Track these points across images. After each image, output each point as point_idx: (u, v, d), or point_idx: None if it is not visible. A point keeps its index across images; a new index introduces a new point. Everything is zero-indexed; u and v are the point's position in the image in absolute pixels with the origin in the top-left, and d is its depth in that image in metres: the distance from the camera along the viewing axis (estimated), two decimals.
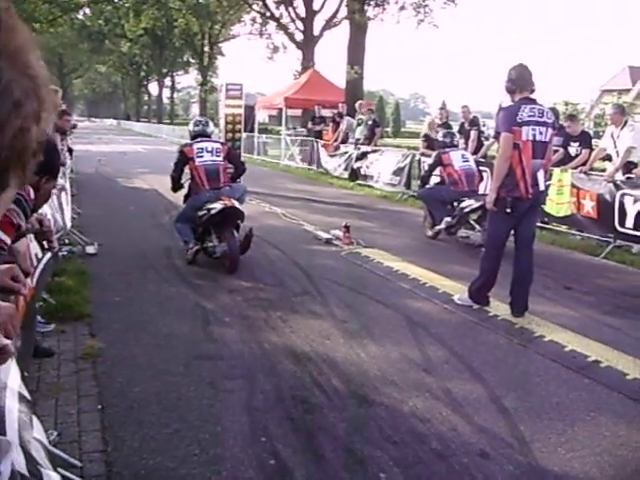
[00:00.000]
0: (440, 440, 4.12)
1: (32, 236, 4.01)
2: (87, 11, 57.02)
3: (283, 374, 5.10)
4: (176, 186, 9.03)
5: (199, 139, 8.95)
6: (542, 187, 6.62)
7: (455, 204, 10.50)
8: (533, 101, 6.47)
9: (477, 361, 5.43)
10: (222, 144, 9.39)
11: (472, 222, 10.36)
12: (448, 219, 10.47)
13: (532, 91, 6.50)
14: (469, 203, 10.13)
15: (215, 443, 4.00)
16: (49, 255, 6.44)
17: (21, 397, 2.09)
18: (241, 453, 3.89)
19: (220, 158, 8.79)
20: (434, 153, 11.61)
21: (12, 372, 2.12)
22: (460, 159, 10.96)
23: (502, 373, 5.23)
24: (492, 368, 5.31)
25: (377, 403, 4.61)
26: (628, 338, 6.14)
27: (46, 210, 6.76)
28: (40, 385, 4.83)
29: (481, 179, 11.38)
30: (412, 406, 4.57)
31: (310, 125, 23.57)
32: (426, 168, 12.29)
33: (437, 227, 10.73)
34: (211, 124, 9.63)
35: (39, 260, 5.88)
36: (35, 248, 4.89)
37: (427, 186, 11.55)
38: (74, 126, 14.07)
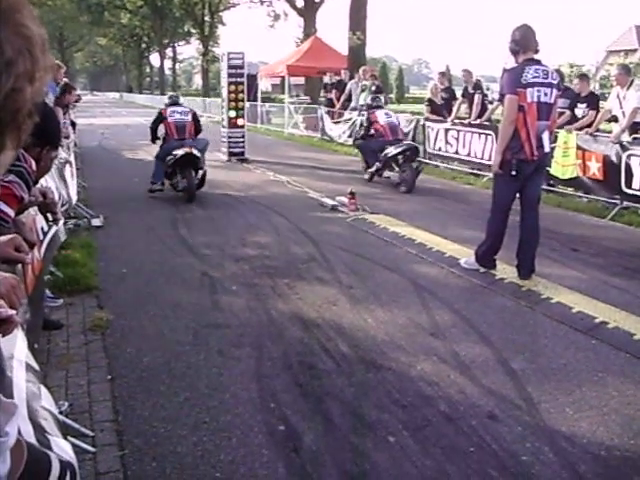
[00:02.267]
0: (448, 403, 4.13)
1: (37, 209, 4.02)
2: None
3: (290, 341, 5.12)
4: (153, 137, 11.79)
5: (173, 106, 11.79)
6: (547, 149, 6.57)
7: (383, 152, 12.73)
8: (537, 62, 6.39)
9: (484, 324, 5.44)
10: (189, 109, 12.08)
11: (393, 165, 12.73)
12: (377, 164, 12.89)
13: (536, 52, 6.42)
14: (390, 150, 12.47)
15: (224, 410, 4.03)
16: (55, 228, 6.47)
17: (28, 367, 2.10)
18: (250, 420, 3.92)
19: (188, 118, 11.58)
20: (364, 115, 14.55)
21: (19, 343, 2.12)
22: (384, 116, 13.40)
23: (509, 335, 5.23)
24: (499, 331, 5.32)
25: (385, 368, 4.62)
26: (636, 299, 6.13)
27: (50, 183, 6.75)
28: (50, 357, 4.87)
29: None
30: (420, 370, 4.59)
31: (322, 93, 23.37)
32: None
33: (369, 170, 13.22)
34: (181, 98, 13.00)
35: (45, 233, 5.90)
36: (41, 221, 4.90)
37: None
38: (78, 99, 14.00)
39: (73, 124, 14.01)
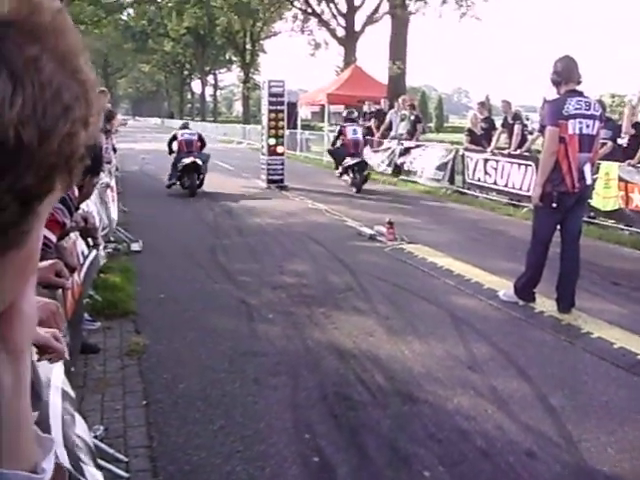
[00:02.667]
0: (485, 438, 4.06)
1: (78, 233, 4.07)
2: (131, 12, 58.00)
3: (326, 371, 5.09)
4: (170, 150, 15.50)
5: (183, 129, 15.89)
6: (589, 181, 6.50)
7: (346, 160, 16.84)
8: (580, 93, 6.34)
9: (523, 358, 5.35)
10: (196, 132, 15.97)
11: (350, 171, 16.76)
12: (340, 169, 17.46)
13: (578, 83, 6.36)
14: (348, 160, 16.72)
15: (259, 440, 4.01)
16: (95, 252, 6.55)
17: (65, 394, 2.10)
18: (285, 450, 3.89)
19: (194, 137, 15.41)
20: (338, 126, 19.18)
21: (56, 369, 2.13)
22: (351, 132, 17.21)
23: (548, 370, 5.14)
24: (538, 365, 5.23)
25: (421, 400, 4.57)
26: None
27: (92, 208, 6.84)
28: (87, 381, 4.90)
29: (365, 144, 18.45)
30: (457, 404, 4.52)
31: (361, 121, 23.46)
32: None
33: (337, 171, 17.91)
34: (191, 124, 18.27)
35: (86, 257, 5.97)
36: (81, 245, 4.95)
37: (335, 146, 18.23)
38: (124, 123, 14.69)
39: (114, 149, 14.25)
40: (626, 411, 4.48)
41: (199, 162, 14.64)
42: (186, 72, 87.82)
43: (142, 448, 3.92)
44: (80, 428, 2.12)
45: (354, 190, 16.26)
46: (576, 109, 6.22)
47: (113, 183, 10.53)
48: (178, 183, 15.21)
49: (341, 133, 17.56)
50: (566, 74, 6.34)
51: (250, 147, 31.56)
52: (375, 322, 6.24)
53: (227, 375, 4.98)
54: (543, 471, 3.71)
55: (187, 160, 14.51)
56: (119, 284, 7.18)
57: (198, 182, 15.14)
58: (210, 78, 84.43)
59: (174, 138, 15.50)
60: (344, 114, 19.39)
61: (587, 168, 6.36)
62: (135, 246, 9.28)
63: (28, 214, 0.69)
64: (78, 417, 2.19)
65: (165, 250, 9.36)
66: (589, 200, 10.76)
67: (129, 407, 4.46)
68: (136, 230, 10.28)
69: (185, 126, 16.36)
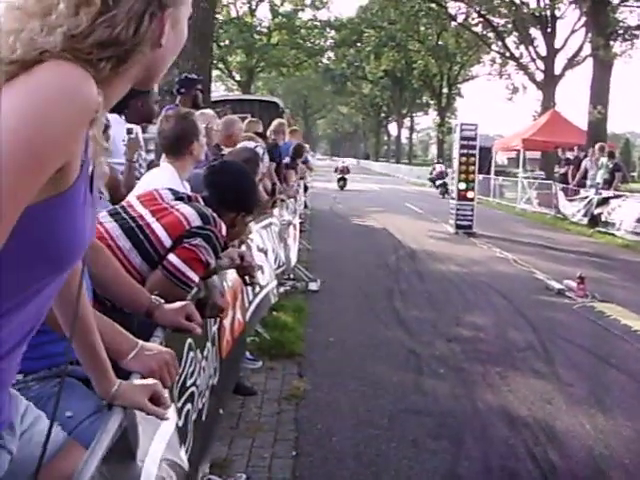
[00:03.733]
0: None
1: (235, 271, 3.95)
2: (331, 55, 59.76)
3: (494, 439, 4.62)
4: None
5: None
6: None
7: None
8: None
9: None
10: None
11: None
12: None
13: None
14: None
15: None
16: (267, 289, 6.50)
17: (171, 465, 1.88)
18: None
19: None
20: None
21: (162, 434, 1.90)
22: None
23: None
24: None
25: None
26: None
27: (268, 245, 6.83)
28: (240, 422, 4.79)
29: None
30: None
31: (557, 168, 22.60)
32: None
33: None
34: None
35: (256, 295, 5.91)
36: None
37: None
38: (310, 168, 14.57)
39: (306, 187, 14.50)
40: None
41: None
42: (383, 114, 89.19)
43: None
44: None
45: None
46: None
47: (297, 221, 10.60)
48: None
49: None
50: None
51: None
52: (555, 388, 5.65)
53: (384, 433, 4.65)
54: None
55: None
56: (289, 324, 7.10)
57: None
58: (407, 121, 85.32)
59: None
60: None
61: None
62: (313, 285, 9.22)
63: None
64: None
65: (342, 291, 9.23)
66: None
67: (277, 456, 4.26)
68: (316, 269, 10.27)
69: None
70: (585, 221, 18.09)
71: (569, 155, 21.42)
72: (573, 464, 4.28)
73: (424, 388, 5.62)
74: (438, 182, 30.27)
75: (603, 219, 17.15)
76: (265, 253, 6.56)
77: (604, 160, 18.20)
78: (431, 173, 34.48)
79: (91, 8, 1.08)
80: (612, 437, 4.71)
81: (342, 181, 31.17)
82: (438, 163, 34.99)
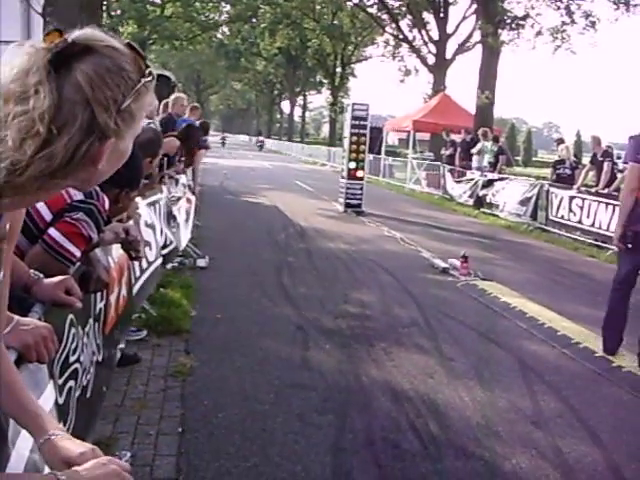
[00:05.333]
0: None
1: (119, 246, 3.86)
2: (225, 30, 59.04)
3: (377, 413, 4.72)
4: None
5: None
6: None
7: None
8: None
9: (595, 418, 4.85)
10: None
11: None
12: None
13: None
14: None
15: None
16: (155, 266, 6.38)
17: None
18: None
19: None
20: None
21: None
22: None
23: (624, 436, 4.62)
24: (612, 429, 4.71)
25: (476, 456, 4.15)
26: None
27: (155, 221, 6.69)
28: (125, 400, 4.69)
29: None
30: (515, 464, 4.07)
31: (443, 150, 23.12)
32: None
33: None
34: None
35: (143, 271, 5.79)
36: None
37: None
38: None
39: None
40: None
41: None
42: (276, 92, 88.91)
43: None
44: None
45: None
46: None
47: (192, 197, 10.43)
48: None
49: None
50: None
51: (334, 170, 31.47)
52: (437, 363, 5.83)
53: (270, 408, 4.68)
54: None
55: None
56: (177, 300, 7.00)
57: None
58: (300, 99, 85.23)
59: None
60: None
61: None
62: (201, 262, 9.12)
63: None
64: None
65: (231, 268, 9.18)
66: None
67: (163, 433, 4.21)
68: (205, 245, 10.16)
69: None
70: (471, 202, 18.64)
71: (455, 138, 21.98)
72: (452, 434, 4.43)
73: (310, 363, 5.67)
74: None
75: (488, 201, 17.71)
76: (153, 229, 6.44)
77: (488, 144, 18.80)
78: None
79: (35, 139, 1.07)
80: (488, 408, 4.91)
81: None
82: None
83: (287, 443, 4.18)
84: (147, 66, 1.19)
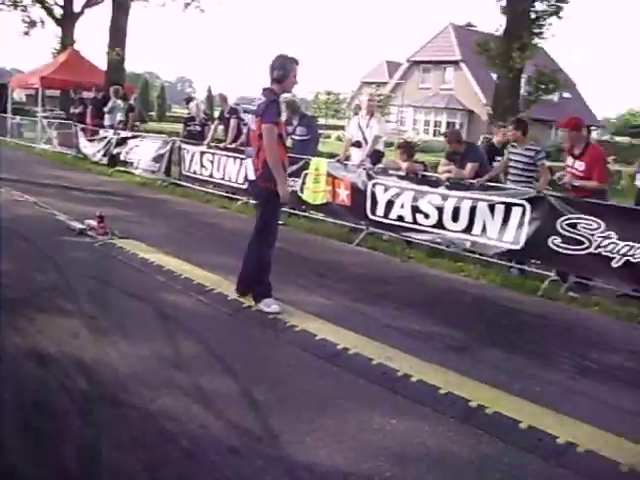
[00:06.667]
0: (190, 438, 4.04)
1: None
2: None
3: (25, 379, 4.78)
4: None
5: None
6: (250, 177, 6.70)
7: None
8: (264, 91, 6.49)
9: (229, 354, 5.41)
10: None
11: None
12: None
13: (274, 81, 6.45)
14: None
15: None
16: None
17: None
18: None
19: None
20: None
21: None
22: None
23: (254, 365, 5.26)
24: (244, 361, 5.33)
25: (126, 404, 4.44)
26: (376, 324, 6.45)
27: None
28: None
29: None
30: (161, 405, 4.44)
31: (72, 109, 22.47)
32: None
33: None
34: None
35: None
36: None
37: None
38: None
39: None
40: (324, 399, 4.72)
41: None
42: None
43: None
44: None
45: None
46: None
47: None
48: None
49: None
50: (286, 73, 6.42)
51: None
52: (81, 323, 5.94)
53: None
54: (245, 467, 3.77)
55: None
56: None
57: None
58: None
59: None
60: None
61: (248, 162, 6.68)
62: None
63: None
64: None
65: None
66: (300, 194, 11.39)
67: None
68: None
69: None
70: (105, 161, 18.51)
71: (86, 95, 21.59)
72: (101, 387, 4.66)
73: None
74: None
75: (122, 159, 17.72)
76: None
77: (120, 102, 18.82)
78: None
79: None
80: (134, 359, 5.22)
81: None
82: None
83: None
84: None
